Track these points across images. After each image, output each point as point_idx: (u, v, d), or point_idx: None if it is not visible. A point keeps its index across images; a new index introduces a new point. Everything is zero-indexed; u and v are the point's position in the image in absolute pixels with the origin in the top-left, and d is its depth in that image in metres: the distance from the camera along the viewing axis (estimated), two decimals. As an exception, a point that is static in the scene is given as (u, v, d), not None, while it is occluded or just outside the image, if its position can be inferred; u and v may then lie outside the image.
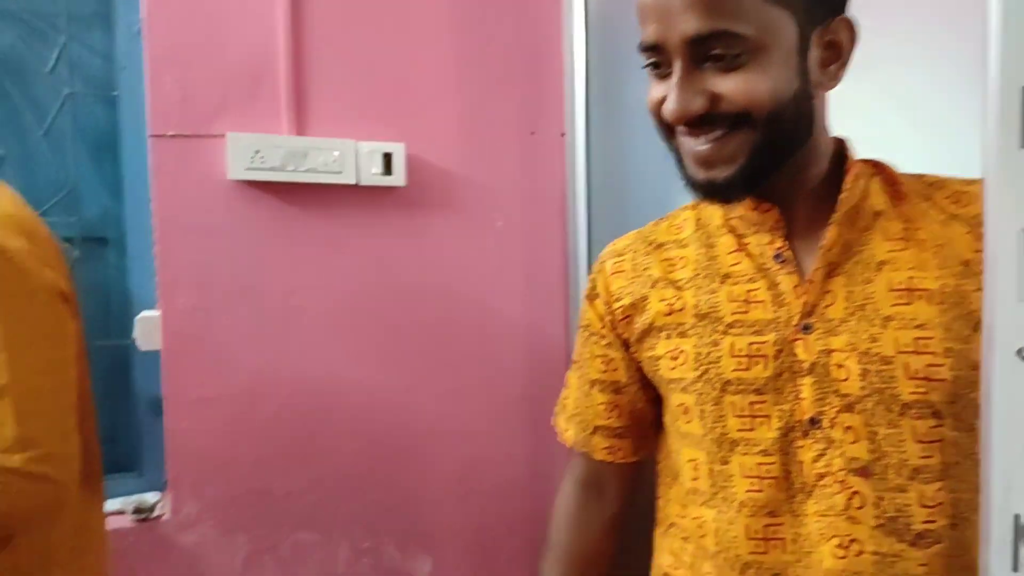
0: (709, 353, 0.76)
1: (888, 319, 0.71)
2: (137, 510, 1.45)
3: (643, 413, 0.90)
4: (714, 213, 0.82)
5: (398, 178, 1.62)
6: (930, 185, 0.78)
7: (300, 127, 1.56)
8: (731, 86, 0.68)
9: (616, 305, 0.85)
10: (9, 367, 0.81)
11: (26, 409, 0.82)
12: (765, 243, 0.77)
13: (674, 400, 0.81)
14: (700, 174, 0.73)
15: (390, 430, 1.66)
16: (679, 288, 0.80)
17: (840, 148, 0.80)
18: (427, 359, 1.69)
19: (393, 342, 1.66)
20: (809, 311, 0.74)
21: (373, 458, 1.64)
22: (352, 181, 1.58)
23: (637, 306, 0.83)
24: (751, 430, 0.74)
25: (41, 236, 0.91)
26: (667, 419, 0.85)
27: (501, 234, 1.76)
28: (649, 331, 0.82)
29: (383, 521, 1.65)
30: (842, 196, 0.75)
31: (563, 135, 1.82)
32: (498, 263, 1.76)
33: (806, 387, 0.72)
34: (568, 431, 0.95)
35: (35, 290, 0.86)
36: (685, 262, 0.81)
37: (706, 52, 0.67)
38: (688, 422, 0.79)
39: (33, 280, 0.86)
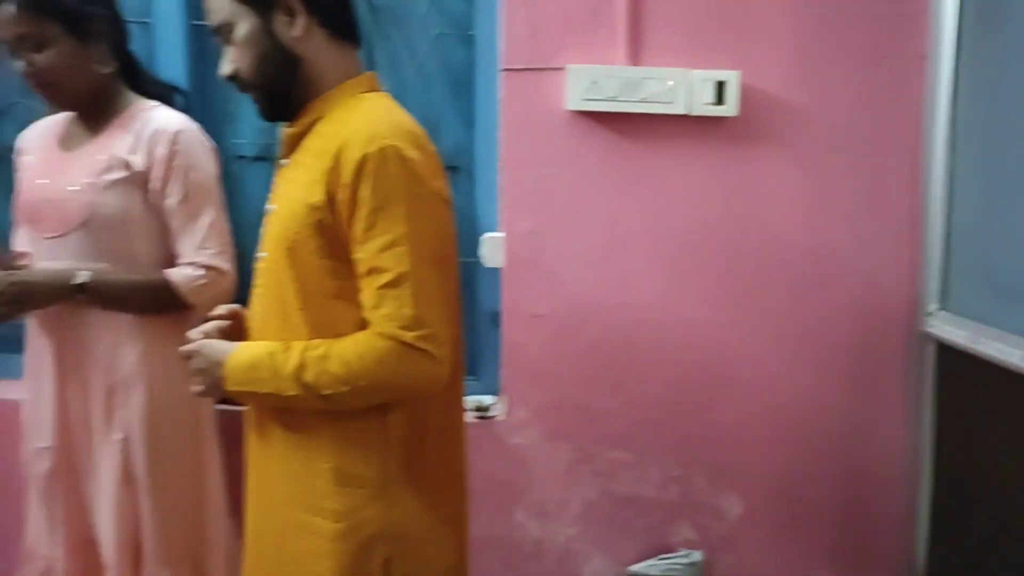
0: None
1: None
2: (477, 409, 1.63)
3: None
4: None
5: (730, 108, 1.56)
6: None
7: (635, 57, 1.57)
8: None
9: None
10: (410, 257, 0.95)
11: (420, 294, 0.95)
12: None
13: None
14: None
15: (704, 365, 1.65)
16: None
17: None
18: (747, 298, 1.64)
19: (713, 278, 1.63)
20: None
21: (685, 390, 1.65)
22: (683, 111, 1.56)
23: None
24: None
25: (429, 150, 1.04)
26: None
27: (839, 171, 1.62)
28: None
29: (693, 453, 1.66)
30: None
31: (923, 59, 1.60)
32: (834, 203, 1.63)
33: None
34: None
35: (428, 195, 0.99)
36: None
37: None
38: None
39: (427, 186, 0.99)
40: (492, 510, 1.64)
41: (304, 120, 1.04)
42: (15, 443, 1.49)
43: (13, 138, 1.48)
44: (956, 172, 1.57)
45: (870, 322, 1.65)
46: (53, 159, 1.39)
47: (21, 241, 1.41)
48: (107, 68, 1.36)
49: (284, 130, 1.07)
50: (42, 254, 1.36)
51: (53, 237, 1.35)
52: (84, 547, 1.45)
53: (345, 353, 0.96)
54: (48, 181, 1.36)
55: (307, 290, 1.00)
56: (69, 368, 1.37)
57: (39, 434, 1.41)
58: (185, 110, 1.48)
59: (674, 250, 1.62)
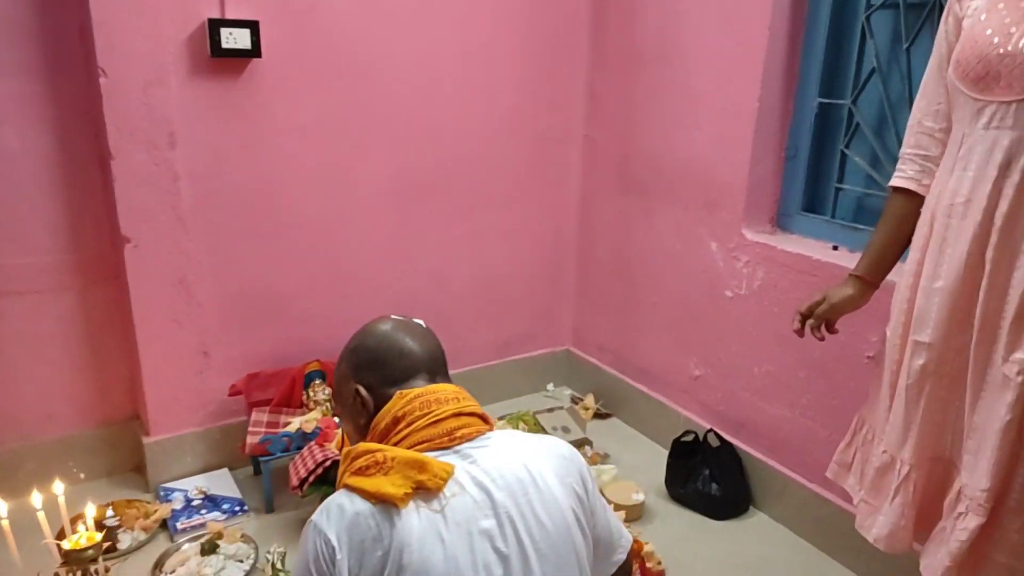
0: None
1: None
2: None
3: None
4: None
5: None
6: None
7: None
8: None
9: None
10: None
11: None
12: None
13: None
14: None
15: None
16: None
17: None
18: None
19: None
20: None
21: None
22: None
23: None
24: None
25: None
26: None
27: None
28: None
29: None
30: None
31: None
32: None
33: None
34: None
35: None
36: None
37: None
38: None
39: None
40: None
41: None
42: (881, 324, 1.40)
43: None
44: None
45: None
46: (1011, 6, 1.14)
47: (959, 102, 1.20)
48: None
49: None
50: (992, 120, 1.15)
51: (1012, 101, 1.11)
52: (932, 463, 1.30)
53: None
54: (1013, 32, 1.11)
55: None
56: (983, 262, 1.16)
57: (920, 326, 1.26)
58: None
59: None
